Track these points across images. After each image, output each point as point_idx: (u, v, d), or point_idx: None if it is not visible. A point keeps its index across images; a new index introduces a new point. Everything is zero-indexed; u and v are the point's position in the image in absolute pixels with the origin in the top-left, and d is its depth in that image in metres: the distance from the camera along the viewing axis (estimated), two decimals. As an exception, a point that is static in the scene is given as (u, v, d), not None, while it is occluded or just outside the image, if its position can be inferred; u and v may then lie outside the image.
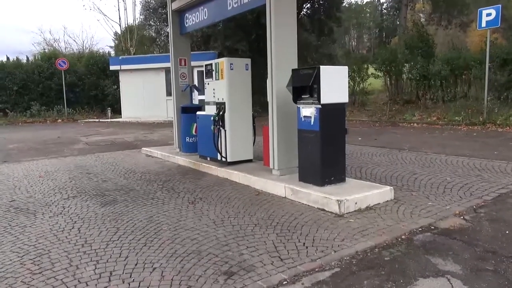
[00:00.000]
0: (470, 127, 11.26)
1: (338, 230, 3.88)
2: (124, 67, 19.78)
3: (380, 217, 4.18)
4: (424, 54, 15.26)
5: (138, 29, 26.60)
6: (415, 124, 12.82)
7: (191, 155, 7.90)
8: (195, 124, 7.74)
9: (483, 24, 11.07)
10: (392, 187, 4.83)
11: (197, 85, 9.40)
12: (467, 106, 12.53)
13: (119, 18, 42.31)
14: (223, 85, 6.53)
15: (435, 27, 26.17)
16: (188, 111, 7.99)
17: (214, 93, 6.84)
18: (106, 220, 4.48)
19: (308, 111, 4.90)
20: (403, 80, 16.78)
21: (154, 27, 25.35)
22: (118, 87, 20.92)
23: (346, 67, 5.00)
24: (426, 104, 14.98)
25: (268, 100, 5.69)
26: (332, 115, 4.87)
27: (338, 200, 4.31)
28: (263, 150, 6.06)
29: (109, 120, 20.35)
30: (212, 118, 6.63)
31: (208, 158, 7.14)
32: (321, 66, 4.69)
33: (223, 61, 6.52)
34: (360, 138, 10.37)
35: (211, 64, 6.87)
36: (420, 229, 3.85)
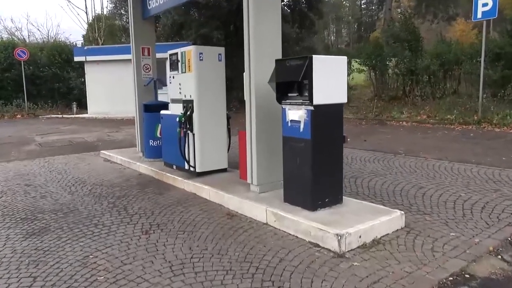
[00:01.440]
0: (464, 126, 10.45)
1: (340, 281, 2.81)
2: (90, 58, 18.20)
3: (394, 258, 3.13)
4: (411, 48, 14.42)
5: (107, 18, 24.85)
6: (404, 123, 11.95)
7: (156, 162, 6.70)
8: (160, 125, 6.54)
9: (479, 15, 10.23)
10: (402, 212, 3.80)
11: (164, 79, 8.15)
12: (459, 104, 11.74)
13: (85, 6, 39.89)
14: (191, 79, 5.36)
15: (420, 20, 25.55)
16: (152, 109, 6.77)
17: (180, 88, 5.65)
18: (23, 263, 3.27)
19: (297, 114, 3.80)
20: (388, 75, 15.93)
21: (125, 16, 23.72)
22: (85, 80, 19.30)
23: (345, 57, 3.91)
24: (413, 101, 14.16)
25: (245, 98, 4.56)
26: (327, 119, 3.79)
27: (337, 235, 3.23)
28: (240, 159, 4.95)
29: (74, 116, 18.75)
30: (177, 119, 5.45)
31: (174, 167, 5.97)
32: (313, 56, 3.60)
33: (191, 50, 5.33)
34: (348, 139, 9.36)
35: (176, 54, 5.67)
36: (452, 278, 2.82)
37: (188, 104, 5.48)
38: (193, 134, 5.44)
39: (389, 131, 10.67)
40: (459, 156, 6.92)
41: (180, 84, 5.64)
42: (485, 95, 10.58)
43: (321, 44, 35.55)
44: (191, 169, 5.56)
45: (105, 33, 23.97)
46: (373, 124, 12.32)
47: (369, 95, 17.21)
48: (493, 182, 5.19)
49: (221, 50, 5.58)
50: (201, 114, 5.38)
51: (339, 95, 3.84)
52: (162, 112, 6.25)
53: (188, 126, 5.48)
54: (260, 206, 4.05)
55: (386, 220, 3.58)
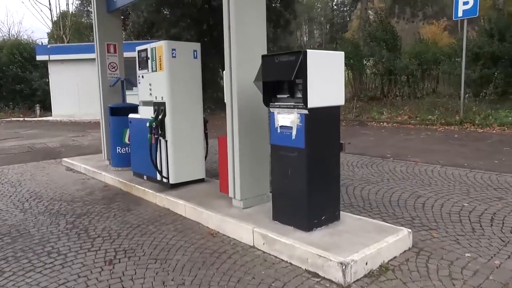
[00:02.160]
0: (446, 127, 10.24)
1: (351, 326, 2.28)
2: (53, 57, 17.08)
3: (409, 290, 2.64)
4: (389, 48, 14.20)
5: (73, 15, 23.59)
6: (385, 124, 11.66)
7: (124, 171, 6.01)
8: (128, 130, 5.86)
9: (460, 14, 10.03)
10: (409, 230, 3.32)
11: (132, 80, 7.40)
12: (439, 104, 11.56)
13: (49, 3, 37.87)
14: (163, 78, 4.72)
15: (396, 19, 25.63)
16: (119, 112, 6.07)
17: (150, 89, 5.01)
18: (-51, 312, 2.58)
19: (288, 118, 3.25)
20: (366, 75, 15.69)
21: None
22: (48, 80, 18.13)
23: (342, 52, 3.40)
24: (392, 101, 13.95)
25: (225, 100, 3.98)
26: (323, 124, 3.26)
27: (341, 264, 2.71)
28: (219, 170, 4.36)
29: (37, 119, 17.57)
30: (147, 124, 4.81)
31: (145, 177, 5.31)
32: (308, 51, 3.06)
33: (162, 46, 4.70)
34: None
35: (145, 50, 5.02)
36: (483, 317, 2.35)
37: (159, 107, 4.84)
38: (166, 141, 4.81)
39: (371, 132, 10.32)
40: (449, 159, 6.58)
41: (150, 84, 4.99)
42: (467, 95, 10.41)
43: (295, 45, 35.31)
44: (164, 180, 4.92)
45: (71, 31, 22.73)
46: (354, 125, 11.98)
47: (347, 95, 16.92)
48: (493, 189, 4.82)
49: (197, 46, 4.97)
50: (174, 118, 4.75)
51: (336, 97, 3.32)
52: (131, 115, 5.57)
53: (160, 132, 4.84)
54: (245, 226, 3.48)
55: (393, 241, 3.09)
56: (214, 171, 5.53)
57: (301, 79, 3.07)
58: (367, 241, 3.05)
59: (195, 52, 4.90)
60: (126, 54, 6.93)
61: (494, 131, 9.26)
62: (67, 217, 4.39)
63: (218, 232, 3.76)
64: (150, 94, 5.00)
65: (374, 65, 14.60)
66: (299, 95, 3.19)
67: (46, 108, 18.80)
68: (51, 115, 17.90)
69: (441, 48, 13.46)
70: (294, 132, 3.21)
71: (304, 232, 3.23)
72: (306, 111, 3.11)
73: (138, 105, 5.40)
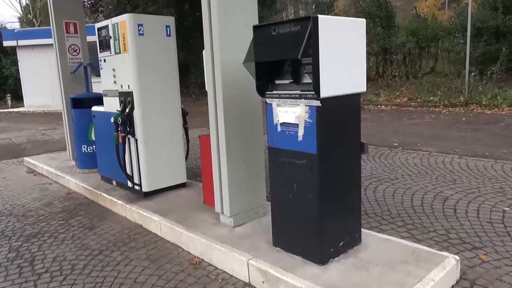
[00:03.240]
0: (450, 109, 9.47)
1: None
2: (22, 42, 15.76)
3: None
4: (384, 25, 13.29)
5: (44, -3, 21.97)
6: (383, 107, 10.85)
7: (92, 173, 5.08)
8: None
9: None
10: (457, 258, 2.50)
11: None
12: (438, 84, 10.77)
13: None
14: (128, 62, 3.77)
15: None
16: (83, 104, 5.10)
17: (114, 76, 4.05)
18: None
19: (292, 113, 2.37)
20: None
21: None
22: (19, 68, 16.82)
23: (363, 20, 2.50)
24: (388, 82, 13.12)
25: (206, 88, 3.07)
26: (340, 119, 2.39)
27: (379, 324, 1.88)
28: (202, 177, 3.47)
29: (7, 110, 16.32)
30: (112, 119, 3.87)
31: (114, 183, 4.41)
32: (320, 17, 2.16)
33: (125, 21, 3.73)
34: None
35: (106, 27, 4.04)
36: None
37: (126, 98, 3.90)
38: (136, 140, 3.89)
39: (371, 117, 9.50)
40: (466, 147, 5.81)
41: (114, 70, 4.04)
42: (472, 74, 9.63)
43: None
44: (136, 187, 4.03)
45: (42, 14, 21.17)
46: (350, 109, 11.14)
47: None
48: (531, 185, 4.06)
49: (170, 20, 4.01)
50: (145, 111, 3.83)
51: (357, 80, 2.44)
52: (94, 108, 4.62)
53: (128, 129, 3.92)
54: (238, 256, 2.62)
55: (440, 278, 2.27)
56: (198, 169, 4.64)
57: (311, 58, 2.17)
58: (405, 279, 2.22)
59: (168, 29, 3.94)
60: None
61: (504, 113, 8.52)
62: (12, 240, 3.49)
63: (203, 260, 2.90)
64: (115, 82, 4.05)
65: (368, 43, 13.67)
66: (308, 79, 2.30)
67: (19, 98, 17.52)
68: (23, 106, 16.67)
69: (441, 24, 12.60)
70: (301, 132, 2.33)
71: (317, 266, 2.39)
72: (318, 103, 2.22)
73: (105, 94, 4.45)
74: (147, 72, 3.79)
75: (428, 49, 12.75)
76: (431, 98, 10.10)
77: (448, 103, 9.64)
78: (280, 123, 2.44)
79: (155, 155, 3.93)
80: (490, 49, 10.91)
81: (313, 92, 2.21)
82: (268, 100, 2.51)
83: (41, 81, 15.83)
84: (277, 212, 2.63)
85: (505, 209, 3.50)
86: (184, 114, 4.26)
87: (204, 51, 3.00)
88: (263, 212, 3.24)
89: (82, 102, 5.12)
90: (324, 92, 2.19)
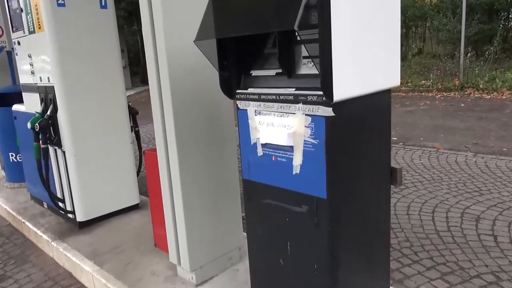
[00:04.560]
0: (445, 93, 8.67)
1: None
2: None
3: None
4: (369, 2, 12.30)
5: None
6: (371, 92, 9.97)
7: (23, 188, 3.99)
8: (21, 128, 3.79)
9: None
10: None
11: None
12: (427, 66, 9.95)
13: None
14: (45, 44, 2.69)
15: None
16: (7, 101, 3.97)
17: (31, 64, 2.96)
18: None
19: (281, 126, 1.38)
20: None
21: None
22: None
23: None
24: (374, 65, 12.22)
25: (149, 85, 2.03)
26: (364, 136, 1.42)
27: None
28: (151, 211, 2.45)
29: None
30: (29, 125, 2.80)
31: (45, 205, 3.36)
32: (331, -49, 1.16)
33: (38, -15, 2.63)
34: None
35: (15, -4, 2.93)
36: None
37: (47, 95, 2.83)
38: (63, 152, 2.84)
39: (359, 104, 8.60)
40: (477, 141, 4.97)
41: (30, 56, 2.94)
42: (468, 55, 8.83)
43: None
44: (69, 215, 2.99)
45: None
46: (335, 95, 10.22)
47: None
48: None
49: (106, -14, 2.92)
50: (73, 113, 2.77)
51: (389, 68, 1.47)
52: (15, 107, 3.52)
53: (53, 138, 2.86)
54: None
55: None
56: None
57: (316, 31, 1.18)
58: None
59: (102, -2, 2.85)
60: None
61: (505, 97, 7.76)
62: None
63: None
64: (32, 72, 2.96)
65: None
66: (307, 69, 1.32)
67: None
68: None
69: (430, 1, 11.73)
70: (297, 159, 1.35)
71: None
72: (329, 111, 1.24)
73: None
74: (73, 59, 2.72)
75: (415, 29, 11.89)
76: (423, 82, 9.28)
77: (442, 87, 8.83)
78: (262, 144, 1.46)
79: (92, 172, 2.89)
80: (484, 28, 10.14)
81: (320, 93, 1.23)
82: (241, 104, 1.52)
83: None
84: (262, 276, 1.66)
85: (561, 235, 2.65)
86: (133, 114, 3.21)
87: (142, 26, 1.95)
88: (240, 256, 2.29)
89: (6, 97, 3.98)
90: (341, 92, 1.21)
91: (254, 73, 1.49)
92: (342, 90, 1.22)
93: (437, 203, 3.28)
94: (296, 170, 1.37)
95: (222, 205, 2.15)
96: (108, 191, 2.99)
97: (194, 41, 1.42)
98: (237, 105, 1.53)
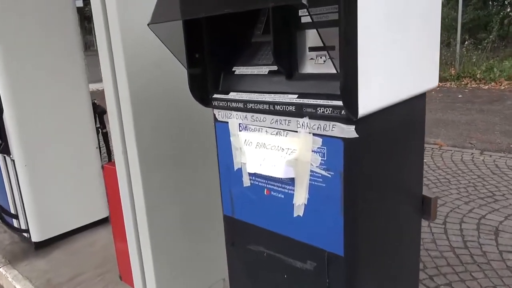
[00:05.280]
0: (440, 84, 8.31)
1: None
2: None
3: None
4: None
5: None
6: (363, 82, 9.57)
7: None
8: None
9: None
10: None
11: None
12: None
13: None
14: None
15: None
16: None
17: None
18: None
19: (277, 149, 0.95)
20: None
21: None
22: None
23: None
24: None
25: (104, 82, 1.58)
26: (392, 161, 1.00)
27: None
28: (114, 237, 2.02)
29: None
30: (-31, 129, 2.32)
31: (-1, 219, 2.89)
32: None
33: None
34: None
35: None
36: None
37: (-10, 93, 2.35)
38: (13, 161, 2.38)
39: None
40: (482, 137, 4.63)
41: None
42: (466, 43, 8.47)
43: None
44: (26, 235, 2.54)
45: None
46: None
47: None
48: None
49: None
50: (23, 114, 2.30)
51: (426, 67, 1.05)
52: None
53: (0, 144, 2.39)
54: None
55: None
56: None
57: (340, 7, 0.75)
58: None
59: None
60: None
61: (503, 87, 7.44)
62: None
63: None
64: (-27, 65, 2.46)
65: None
66: (318, 68, 0.89)
67: None
68: None
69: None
70: (301, 197, 0.93)
71: None
72: (351, 130, 0.82)
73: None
74: (18, 48, 2.24)
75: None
76: (418, 71, 8.91)
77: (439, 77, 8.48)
78: (250, 173, 1.03)
79: (49, 183, 2.44)
80: (479, 14, 9.79)
81: (336, 103, 0.80)
82: (219, 114, 1.08)
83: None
84: None
85: None
86: (99, 113, 2.74)
87: (92, 7, 1.49)
88: (224, 289, 1.88)
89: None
90: (369, 102, 0.79)
91: (238, 70, 1.06)
92: (371, 99, 0.80)
93: (447, 211, 2.91)
94: (299, 211, 0.95)
95: (201, 230, 1.74)
96: (70, 205, 2.54)
97: (148, 24, 0.97)
98: (214, 115, 1.10)
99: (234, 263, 1.19)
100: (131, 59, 1.40)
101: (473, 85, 7.87)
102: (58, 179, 2.47)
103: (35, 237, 2.46)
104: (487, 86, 7.62)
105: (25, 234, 2.53)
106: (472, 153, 4.09)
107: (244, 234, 1.12)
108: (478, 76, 7.98)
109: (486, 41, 8.50)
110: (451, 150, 4.24)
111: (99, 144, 2.75)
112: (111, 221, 1.95)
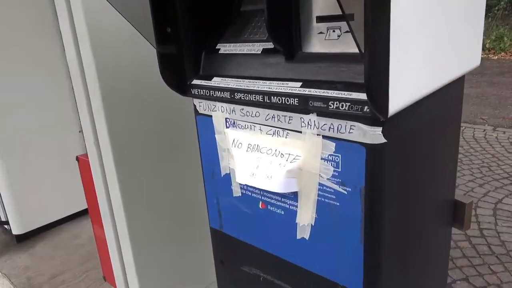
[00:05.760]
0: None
1: None
2: None
3: None
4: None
5: None
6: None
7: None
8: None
9: None
10: None
11: None
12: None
13: None
14: None
15: None
16: None
17: None
18: None
19: (275, 155, 0.72)
20: None
21: None
22: None
23: None
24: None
25: (69, 70, 1.33)
26: (424, 163, 0.78)
27: None
28: (94, 233, 1.82)
29: None
30: None
31: (-20, 208, 2.70)
32: None
33: None
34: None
35: None
36: None
37: (-45, 73, 2.09)
38: (-15, 149, 2.15)
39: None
40: (494, 112, 4.38)
41: None
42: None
43: None
44: (6, 226, 2.36)
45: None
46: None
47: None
48: None
49: None
50: (-7, 98, 2.06)
51: (467, 44, 0.80)
52: None
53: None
54: None
55: None
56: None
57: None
58: None
59: None
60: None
61: (514, 58, 7.12)
62: None
63: None
64: None
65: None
66: (330, 45, 0.65)
67: None
68: None
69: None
70: (305, 217, 0.71)
71: None
72: (376, 132, 0.59)
73: None
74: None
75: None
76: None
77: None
78: (240, 185, 0.81)
79: (28, 173, 2.23)
80: (489, -20, 9.28)
81: (357, 96, 0.57)
82: (201, 105, 0.85)
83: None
84: None
85: None
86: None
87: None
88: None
89: None
90: (403, 95, 0.55)
91: (223, 48, 0.81)
92: (406, 90, 0.56)
93: (461, 194, 2.70)
94: (303, 233, 0.73)
95: (185, 230, 1.54)
96: (51, 195, 2.34)
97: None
98: (194, 106, 0.86)
99: (225, 285, 0.98)
100: (96, 36, 1.15)
101: (482, 56, 7.51)
102: (38, 169, 2.26)
103: (16, 230, 2.27)
104: (496, 57, 7.28)
105: (6, 226, 2.35)
106: (485, 130, 3.85)
107: (235, 252, 0.90)
108: (487, 46, 7.62)
109: (496, 8, 8.07)
110: (462, 127, 4.00)
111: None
112: (90, 217, 1.75)
